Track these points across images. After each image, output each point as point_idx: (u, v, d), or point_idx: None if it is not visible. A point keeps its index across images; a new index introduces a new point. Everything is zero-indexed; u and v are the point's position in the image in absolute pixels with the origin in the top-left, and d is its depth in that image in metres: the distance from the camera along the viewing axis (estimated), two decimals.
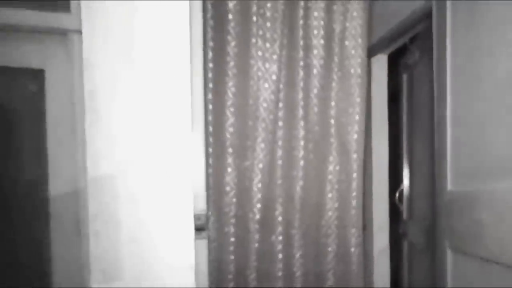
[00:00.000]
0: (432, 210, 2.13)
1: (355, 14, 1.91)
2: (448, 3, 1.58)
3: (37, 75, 1.61)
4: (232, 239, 1.84)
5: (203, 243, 1.75)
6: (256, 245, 1.87)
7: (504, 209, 1.27)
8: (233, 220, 1.85)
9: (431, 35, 1.74)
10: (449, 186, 1.57)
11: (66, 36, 1.56)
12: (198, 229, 1.64)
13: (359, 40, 1.91)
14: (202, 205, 1.71)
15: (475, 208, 1.41)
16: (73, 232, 1.59)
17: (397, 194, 2.58)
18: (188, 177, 1.48)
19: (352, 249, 1.97)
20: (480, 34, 1.42)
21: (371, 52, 2.20)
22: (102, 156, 1.43)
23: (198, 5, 1.65)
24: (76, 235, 1.58)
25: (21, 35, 1.57)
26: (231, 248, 1.85)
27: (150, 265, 1.43)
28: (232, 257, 1.85)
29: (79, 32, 1.47)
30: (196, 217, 1.55)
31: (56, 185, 1.60)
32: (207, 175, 1.79)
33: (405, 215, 2.55)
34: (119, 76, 1.45)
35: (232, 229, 1.85)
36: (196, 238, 1.52)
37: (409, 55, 2.52)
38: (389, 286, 2.38)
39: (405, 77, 2.61)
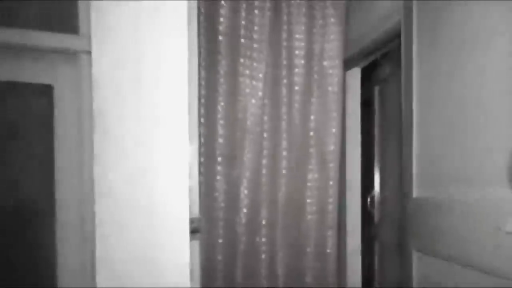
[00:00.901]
0: (401, 213, 2.30)
1: (332, 37, 2.10)
2: (414, 27, 1.73)
3: (46, 91, 1.69)
4: (220, 241, 2.00)
5: (196, 244, 1.90)
6: (242, 246, 2.03)
7: (462, 214, 1.41)
8: (221, 223, 2.01)
9: (400, 51, 1.91)
10: (414, 193, 1.71)
11: (74, 56, 1.65)
12: (192, 231, 1.78)
13: (336, 61, 2.11)
14: (195, 210, 1.85)
15: (437, 213, 1.54)
16: (78, 236, 1.69)
17: (368, 199, 2.75)
18: (185, 186, 1.63)
19: (328, 250, 2.14)
20: (442, 55, 1.55)
21: (346, 65, 2.34)
22: (109, 168, 1.57)
23: (194, 28, 1.80)
24: (80, 240, 1.69)
25: (31, 53, 1.65)
26: (219, 249, 2.01)
27: (151, 265, 1.58)
28: (220, 257, 2.01)
29: (87, 52, 1.60)
30: (190, 221, 1.69)
31: (62, 194, 1.70)
32: (199, 182, 1.94)
33: (376, 218, 2.73)
34: (125, 94, 1.59)
35: (220, 232, 2.00)
36: (190, 240, 1.67)
37: (380, 69, 2.71)
38: (360, 283, 2.54)
39: (376, 89, 2.78)
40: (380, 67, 2.67)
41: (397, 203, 2.43)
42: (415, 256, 1.72)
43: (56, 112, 1.66)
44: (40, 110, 1.69)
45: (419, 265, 1.71)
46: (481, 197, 1.34)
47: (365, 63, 2.51)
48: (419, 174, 1.71)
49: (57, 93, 1.66)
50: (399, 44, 1.93)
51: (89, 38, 1.59)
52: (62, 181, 1.66)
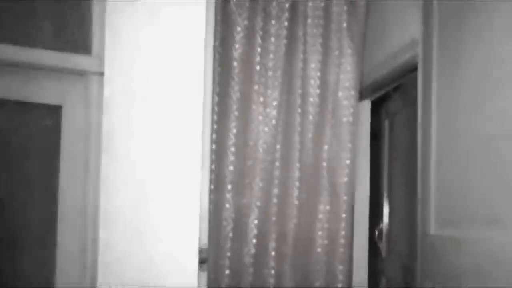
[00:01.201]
0: (410, 248, 2.24)
1: (348, 68, 2.07)
2: (434, 62, 1.71)
3: (55, 111, 1.65)
4: (227, 272, 1.93)
5: (205, 275, 1.84)
6: (250, 278, 1.96)
7: (483, 256, 1.35)
8: (228, 254, 1.94)
9: (413, 85, 1.87)
10: (432, 230, 1.65)
11: (85, 76, 1.62)
12: (201, 261, 1.72)
13: (352, 92, 2.07)
14: (204, 239, 1.80)
15: (456, 253, 1.48)
16: (78, 263, 1.62)
17: (376, 232, 2.70)
18: (195, 214, 1.58)
19: (339, 285, 2.06)
20: (464, 89, 1.53)
21: None
22: (115, 192, 1.52)
23: (210, 53, 1.78)
24: (81, 266, 1.62)
25: (41, 73, 1.61)
26: (226, 280, 1.93)
27: None
28: None
29: (98, 73, 1.56)
30: (199, 251, 1.63)
31: (64, 221, 1.63)
32: (209, 210, 1.89)
33: (383, 252, 2.67)
34: (136, 117, 1.55)
35: (227, 262, 1.93)
36: (198, 270, 1.61)
37: (391, 103, 2.69)
38: None
39: (387, 123, 2.77)
40: (391, 100, 2.65)
41: (406, 237, 2.38)
42: None
43: (63, 133, 1.62)
44: (47, 131, 1.64)
45: None
46: (507, 239, 1.28)
47: (376, 95, 2.49)
48: (437, 210, 1.66)
49: (65, 115, 1.62)
50: (412, 78, 1.91)
51: (102, 59, 1.56)
52: (65, 205, 1.59)
